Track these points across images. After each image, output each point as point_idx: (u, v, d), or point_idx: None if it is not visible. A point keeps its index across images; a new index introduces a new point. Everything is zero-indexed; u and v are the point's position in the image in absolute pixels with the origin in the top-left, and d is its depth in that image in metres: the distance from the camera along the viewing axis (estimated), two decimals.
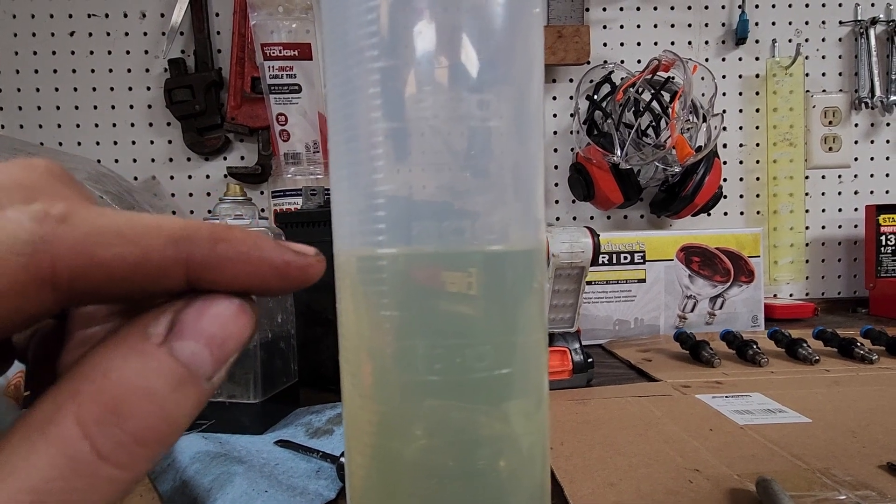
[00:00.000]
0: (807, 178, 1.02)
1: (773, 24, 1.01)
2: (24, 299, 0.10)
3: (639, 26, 1.00)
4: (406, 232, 0.15)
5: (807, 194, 1.02)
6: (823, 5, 1.01)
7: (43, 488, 0.09)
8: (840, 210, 1.04)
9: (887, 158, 1.03)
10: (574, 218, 1.02)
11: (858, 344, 0.62)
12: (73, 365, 0.11)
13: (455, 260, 0.15)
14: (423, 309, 0.15)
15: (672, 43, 1.01)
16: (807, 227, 1.03)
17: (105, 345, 0.11)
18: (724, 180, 1.00)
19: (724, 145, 1.02)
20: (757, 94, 1.02)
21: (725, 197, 1.01)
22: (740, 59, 1.01)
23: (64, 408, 0.10)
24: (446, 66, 0.15)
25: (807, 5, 1.01)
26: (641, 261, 0.80)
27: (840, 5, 1.01)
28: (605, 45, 1.00)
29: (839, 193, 1.04)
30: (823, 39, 1.02)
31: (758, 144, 1.02)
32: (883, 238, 0.94)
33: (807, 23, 1.01)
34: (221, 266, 0.11)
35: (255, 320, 0.12)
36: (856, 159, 1.03)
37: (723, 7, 1.00)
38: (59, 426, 0.10)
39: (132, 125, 0.99)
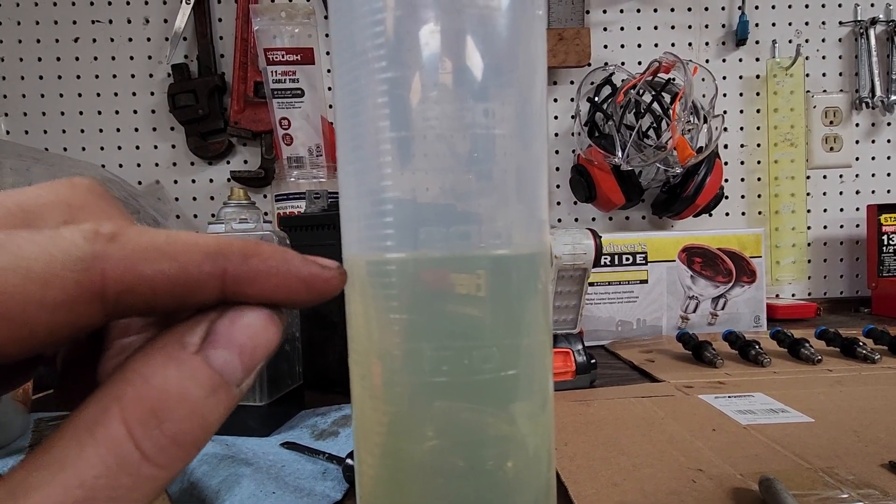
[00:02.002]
0: (808, 178, 1.02)
1: (773, 24, 1.01)
2: (74, 312, 0.10)
3: (639, 28, 1.01)
4: (413, 237, 0.16)
5: (808, 194, 1.02)
6: (823, 6, 1.01)
7: (92, 483, 0.10)
8: (841, 210, 1.04)
9: (888, 158, 1.04)
10: (576, 219, 1.02)
11: (861, 344, 0.62)
12: (113, 371, 0.11)
13: (461, 263, 0.16)
14: (430, 311, 0.16)
15: (672, 44, 1.01)
16: (808, 227, 1.03)
17: (144, 353, 0.12)
18: (726, 181, 1.00)
19: (725, 146, 1.02)
20: (757, 94, 1.02)
21: (727, 197, 1.01)
22: (740, 60, 1.02)
23: (109, 410, 0.11)
24: (451, 73, 0.16)
25: (806, 6, 1.01)
26: (643, 262, 0.80)
27: (840, 6, 1.01)
28: (605, 47, 1.00)
29: (840, 193, 1.04)
30: (823, 40, 1.02)
31: (759, 145, 1.03)
32: (885, 238, 0.94)
33: (807, 23, 1.01)
34: (253, 279, 0.12)
35: (282, 330, 0.13)
36: (857, 159, 1.03)
37: (723, 8, 1.01)
38: (107, 427, 0.10)
39: (136, 130, 0.99)
